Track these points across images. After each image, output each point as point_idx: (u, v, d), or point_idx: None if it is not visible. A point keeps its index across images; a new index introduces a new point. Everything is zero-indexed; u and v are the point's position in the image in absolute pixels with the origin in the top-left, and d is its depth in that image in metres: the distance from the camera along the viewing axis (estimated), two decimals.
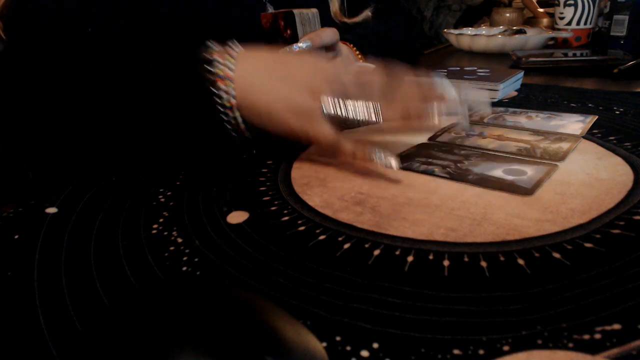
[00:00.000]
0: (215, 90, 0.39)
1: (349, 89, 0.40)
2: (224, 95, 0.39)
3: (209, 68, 0.39)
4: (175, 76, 0.40)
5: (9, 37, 0.44)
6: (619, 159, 0.40)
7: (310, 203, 0.36)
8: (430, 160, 0.42)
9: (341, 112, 0.40)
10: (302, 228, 0.32)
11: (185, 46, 0.41)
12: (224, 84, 0.39)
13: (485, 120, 0.52)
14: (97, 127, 0.40)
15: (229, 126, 0.41)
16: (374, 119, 0.39)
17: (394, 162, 0.38)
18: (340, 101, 0.40)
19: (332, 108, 0.40)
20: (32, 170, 0.42)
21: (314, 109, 0.39)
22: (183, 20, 0.52)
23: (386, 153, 0.39)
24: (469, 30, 1.14)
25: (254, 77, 0.40)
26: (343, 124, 0.41)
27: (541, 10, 1.31)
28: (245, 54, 0.41)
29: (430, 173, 0.39)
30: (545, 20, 1.26)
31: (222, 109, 0.40)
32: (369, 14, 0.72)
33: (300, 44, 0.48)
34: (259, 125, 0.41)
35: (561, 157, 0.41)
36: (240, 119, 0.40)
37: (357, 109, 0.40)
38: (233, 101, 0.39)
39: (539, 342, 0.21)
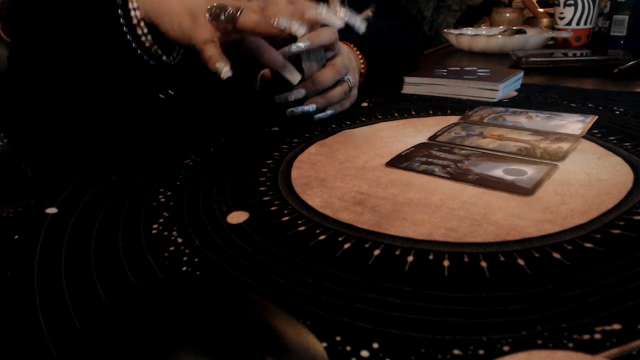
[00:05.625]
0: (124, 16, 0.41)
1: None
2: (132, 14, 0.41)
3: None
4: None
5: (12, 39, 0.45)
6: (619, 159, 0.40)
7: (310, 203, 0.36)
8: (430, 160, 0.42)
9: (219, 18, 0.39)
10: (302, 228, 0.32)
11: None
12: (130, 3, 0.41)
13: (485, 120, 0.52)
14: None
15: (139, 51, 0.42)
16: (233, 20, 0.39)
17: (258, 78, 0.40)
18: (219, 7, 0.39)
19: (212, 11, 0.39)
20: (32, 170, 0.42)
21: (201, 11, 0.40)
22: None
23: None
24: (469, 30, 1.14)
25: None
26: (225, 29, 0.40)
27: (541, 10, 1.31)
28: None
29: (430, 173, 0.39)
30: (545, 20, 1.26)
31: (132, 35, 0.41)
32: (369, 14, 0.72)
33: (299, 44, 0.48)
34: (164, 31, 0.42)
35: (561, 157, 0.41)
36: (146, 30, 0.42)
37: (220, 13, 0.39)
38: (138, 13, 0.41)
39: (539, 342, 0.21)
